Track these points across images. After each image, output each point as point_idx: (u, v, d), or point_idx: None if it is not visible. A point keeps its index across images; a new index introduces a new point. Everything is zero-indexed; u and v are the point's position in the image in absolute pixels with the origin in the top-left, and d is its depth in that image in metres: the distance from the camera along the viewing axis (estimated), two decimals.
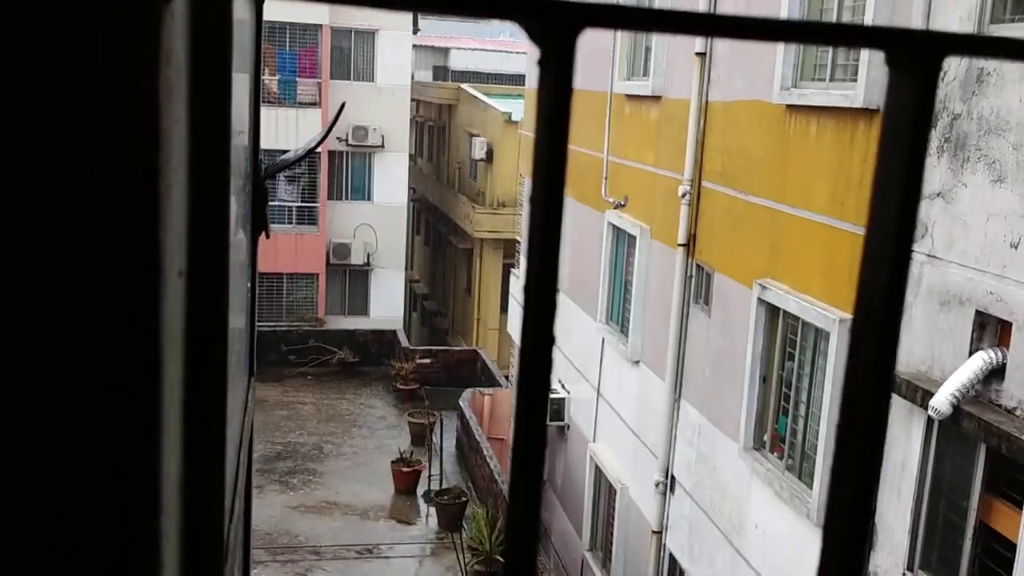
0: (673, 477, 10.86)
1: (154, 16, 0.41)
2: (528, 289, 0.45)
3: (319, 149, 25.58)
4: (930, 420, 6.38)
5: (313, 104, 25.76)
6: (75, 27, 0.41)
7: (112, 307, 0.44)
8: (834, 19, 8.05)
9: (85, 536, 0.46)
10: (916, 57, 0.46)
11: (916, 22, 6.75)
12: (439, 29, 44.28)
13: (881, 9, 7.17)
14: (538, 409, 0.49)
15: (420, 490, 17.88)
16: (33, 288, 0.45)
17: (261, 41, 1.57)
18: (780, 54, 8.55)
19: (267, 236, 1.69)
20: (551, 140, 0.46)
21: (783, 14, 8.49)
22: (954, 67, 6.46)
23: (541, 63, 0.45)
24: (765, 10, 8.93)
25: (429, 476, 17.72)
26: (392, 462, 18.03)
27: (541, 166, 0.48)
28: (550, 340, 0.46)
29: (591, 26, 0.44)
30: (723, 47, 9.90)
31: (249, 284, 1.60)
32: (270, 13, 25.75)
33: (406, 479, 17.82)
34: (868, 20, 7.30)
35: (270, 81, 25.55)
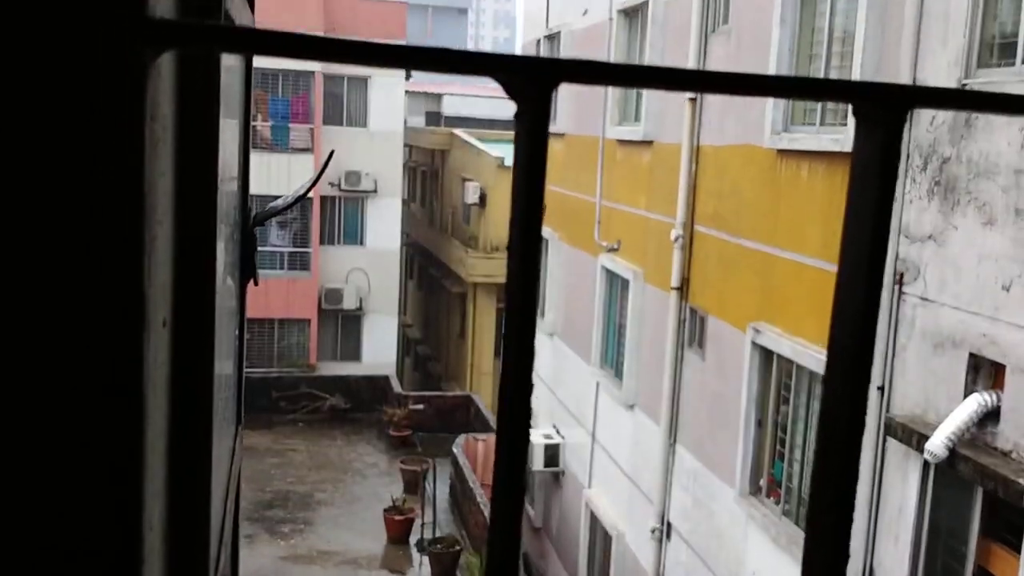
0: (669, 523, 10.77)
1: (140, 73, 0.42)
2: (507, 338, 0.45)
3: (311, 194, 25.69)
4: (926, 464, 6.36)
5: (306, 150, 25.92)
6: (61, 83, 0.42)
7: (95, 357, 0.44)
8: (823, 63, 8.17)
9: None
10: (881, 110, 0.48)
11: (904, 66, 6.86)
12: (432, 75, 44.74)
13: (869, 53, 7.28)
14: (518, 462, 0.49)
15: (413, 539, 17.67)
16: (15, 336, 0.45)
17: (251, 87, 1.59)
18: (770, 99, 8.66)
19: (255, 283, 1.70)
20: (528, 190, 0.47)
21: (772, 59, 8.62)
22: (942, 111, 6.55)
23: (517, 116, 0.47)
24: (755, 55, 9.06)
25: (422, 524, 17.52)
26: (384, 510, 17.84)
27: (518, 215, 0.49)
28: (528, 385, 0.47)
29: (565, 80, 0.45)
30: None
31: (237, 332, 1.60)
32: (263, 60, 26.01)
33: (399, 528, 17.62)
34: (856, 64, 7.41)
35: (263, 127, 25.73)
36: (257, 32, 0.40)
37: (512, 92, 0.45)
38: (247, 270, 1.59)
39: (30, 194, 0.43)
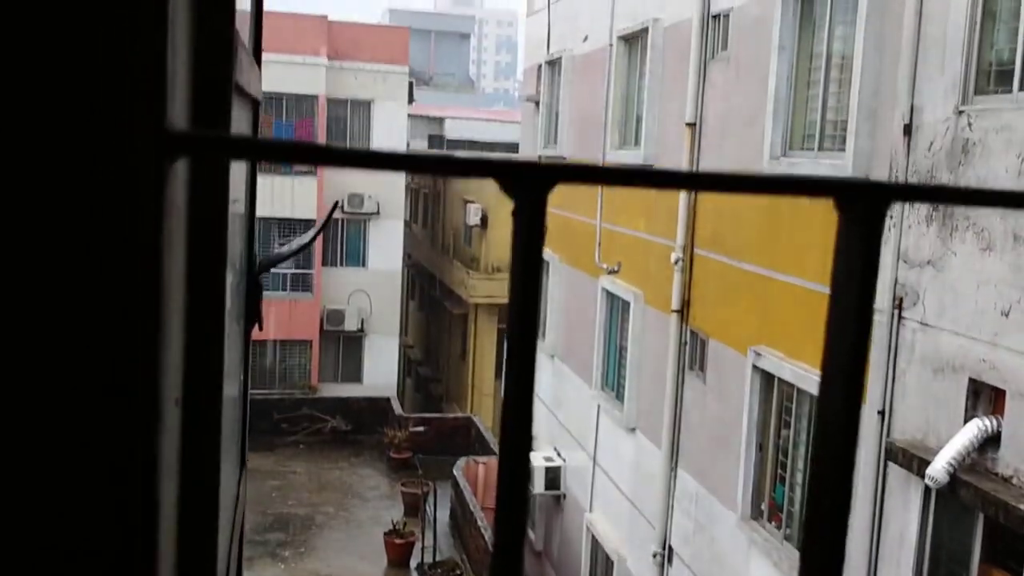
0: (671, 547, 10.73)
1: (158, 180, 0.45)
2: (503, 432, 0.47)
3: (314, 215, 25.75)
4: (927, 489, 6.35)
5: (309, 173, 26.02)
6: (81, 191, 0.45)
7: (110, 441, 0.46)
8: (821, 88, 8.22)
9: None
10: (861, 205, 0.50)
11: (902, 93, 6.90)
12: (434, 99, 44.99)
13: (867, 79, 7.34)
14: (519, 489, 0.51)
15: (413, 562, 17.59)
16: (31, 423, 0.47)
17: (258, 129, 1.62)
18: (769, 123, 8.71)
19: (260, 329, 1.72)
20: (524, 283, 0.49)
21: (771, 85, 8.68)
22: (939, 137, 6.59)
23: (515, 214, 0.49)
24: (754, 81, 9.12)
25: (423, 548, 17.45)
26: (385, 533, 17.78)
27: (515, 304, 0.51)
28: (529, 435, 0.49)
29: (561, 182, 0.47)
30: (713, 117, 10.09)
31: (242, 377, 1.62)
32: (268, 84, 26.01)
33: (399, 551, 17.55)
34: (854, 90, 7.46)
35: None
36: (266, 143, 0.42)
37: (510, 192, 0.48)
38: (251, 316, 1.61)
39: (51, 289, 0.45)
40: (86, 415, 0.46)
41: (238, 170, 1.45)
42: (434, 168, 0.47)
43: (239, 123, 1.26)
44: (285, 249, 2.65)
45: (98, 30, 0.44)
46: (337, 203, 3.41)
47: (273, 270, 26.39)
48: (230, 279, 1.37)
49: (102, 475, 0.47)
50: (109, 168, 0.44)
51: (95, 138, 0.44)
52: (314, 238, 2.60)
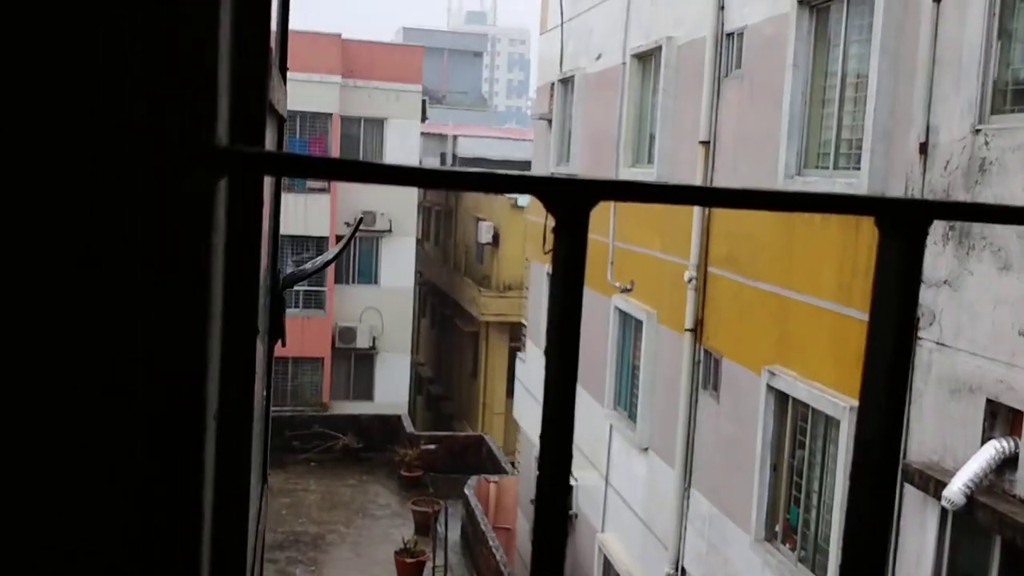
0: (684, 569, 10.65)
1: (207, 196, 0.45)
2: (543, 444, 0.47)
3: (327, 233, 25.86)
4: (944, 511, 6.29)
5: (323, 190, 26.15)
6: (136, 206, 0.45)
7: (161, 454, 0.47)
8: (836, 107, 8.21)
9: None
10: (902, 222, 0.50)
11: (917, 112, 6.89)
12: (447, 117, 45.19)
13: (882, 98, 7.33)
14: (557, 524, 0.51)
15: None
16: (83, 432, 0.47)
17: (282, 146, 1.63)
18: (783, 141, 8.71)
19: (283, 344, 1.72)
20: (566, 297, 0.50)
21: (785, 104, 8.68)
22: (956, 155, 6.57)
23: (556, 230, 0.49)
24: (768, 100, 9.13)
25: (434, 567, 17.38)
26: (395, 552, 17.71)
27: (556, 319, 0.51)
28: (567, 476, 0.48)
29: (603, 199, 0.48)
30: (727, 135, 10.09)
31: (265, 392, 1.62)
32: None
33: (410, 570, 17.47)
34: (870, 109, 7.45)
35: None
36: (308, 159, 0.43)
37: (552, 209, 0.48)
38: (275, 331, 1.62)
39: (107, 304, 0.46)
40: (138, 430, 0.47)
41: (264, 188, 1.46)
42: (475, 185, 0.47)
43: (268, 140, 1.27)
44: (309, 266, 2.66)
45: (153, 45, 0.44)
46: (362, 218, 3.42)
47: None
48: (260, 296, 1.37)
49: (155, 485, 0.47)
50: (166, 184, 0.45)
51: (149, 153, 0.45)
52: (339, 254, 2.61)
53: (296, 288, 26.56)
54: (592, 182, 0.47)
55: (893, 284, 0.50)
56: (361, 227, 26.66)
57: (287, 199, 25.25)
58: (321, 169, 0.43)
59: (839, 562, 0.55)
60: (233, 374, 0.62)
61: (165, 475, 0.47)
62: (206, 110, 0.45)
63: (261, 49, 0.75)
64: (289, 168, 0.43)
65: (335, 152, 26.11)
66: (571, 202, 0.46)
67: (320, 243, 26.13)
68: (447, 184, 0.46)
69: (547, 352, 0.52)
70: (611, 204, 11.68)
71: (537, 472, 0.49)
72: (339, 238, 26.62)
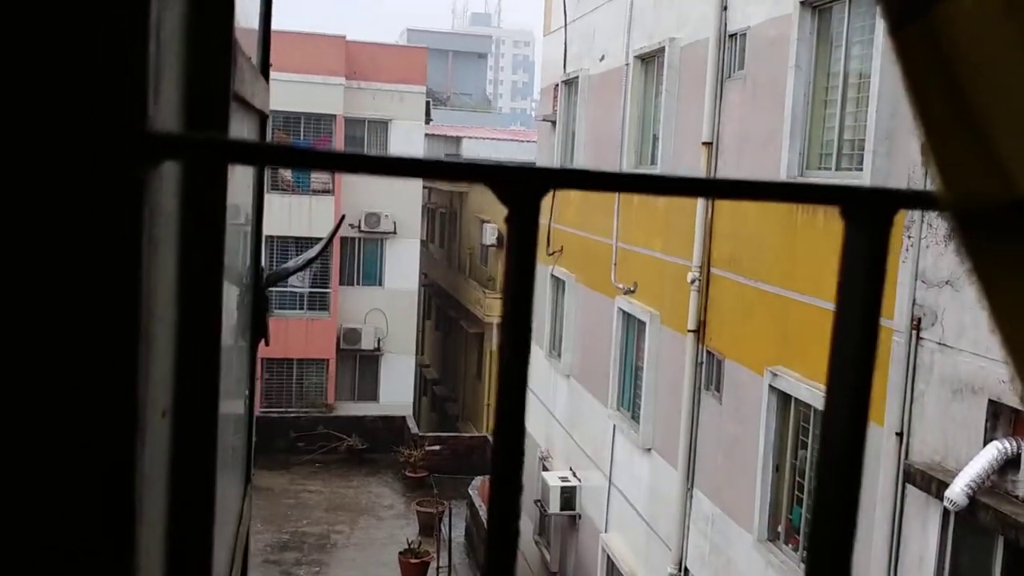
0: (687, 569, 10.63)
1: (138, 183, 0.44)
2: (495, 452, 0.46)
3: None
4: (946, 512, 6.26)
5: (326, 192, 26.16)
6: (60, 194, 0.44)
7: (87, 455, 0.45)
8: (838, 108, 8.19)
9: None
10: (868, 212, 0.49)
11: None
12: (451, 119, 45.21)
13: (885, 99, 7.30)
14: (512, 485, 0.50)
15: None
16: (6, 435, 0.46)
17: (266, 139, 1.61)
18: (786, 142, 8.68)
19: (266, 344, 1.71)
20: (517, 291, 0.48)
21: (788, 104, 8.66)
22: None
23: (508, 221, 0.48)
24: (770, 101, 9.11)
25: (438, 568, 17.37)
26: (400, 553, 17.71)
27: (508, 315, 0.50)
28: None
29: (554, 187, 0.46)
30: (730, 136, 10.07)
31: (247, 391, 1.61)
32: (285, 103, 26.08)
33: (414, 571, 17.47)
34: (872, 109, 7.42)
35: (284, 169, 26.00)
36: (251, 145, 0.41)
37: (503, 199, 0.47)
38: (258, 330, 1.61)
39: (25, 298, 0.44)
40: (64, 422, 0.45)
41: (244, 184, 1.44)
42: (424, 172, 0.46)
43: (243, 134, 1.26)
44: (291, 264, 2.65)
45: (73, 25, 0.43)
46: (343, 216, 3.42)
47: (290, 289, 26.52)
48: (235, 293, 1.36)
49: (80, 482, 0.46)
50: (86, 168, 0.43)
51: (69, 138, 0.43)
52: (321, 252, 2.60)
53: (300, 289, 26.58)
54: (541, 170, 0.45)
55: (859, 274, 0.49)
56: (366, 228, 26.67)
57: (291, 201, 25.30)
58: (259, 155, 0.42)
59: (807, 560, 0.53)
60: (190, 371, 0.61)
61: (89, 474, 0.45)
62: (134, 90, 0.44)
63: (222, 38, 0.73)
64: (227, 154, 0.42)
65: None
66: (521, 191, 0.45)
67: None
68: (391, 171, 0.45)
69: (500, 342, 0.50)
70: (614, 207, 11.67)
71: (491, 453, 0.48)
72: (343, 239, 26.64)
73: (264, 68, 1.66)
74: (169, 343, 0.56)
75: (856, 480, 0.50)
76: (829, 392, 0.52)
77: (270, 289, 1.77)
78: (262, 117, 1.46)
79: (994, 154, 0.47)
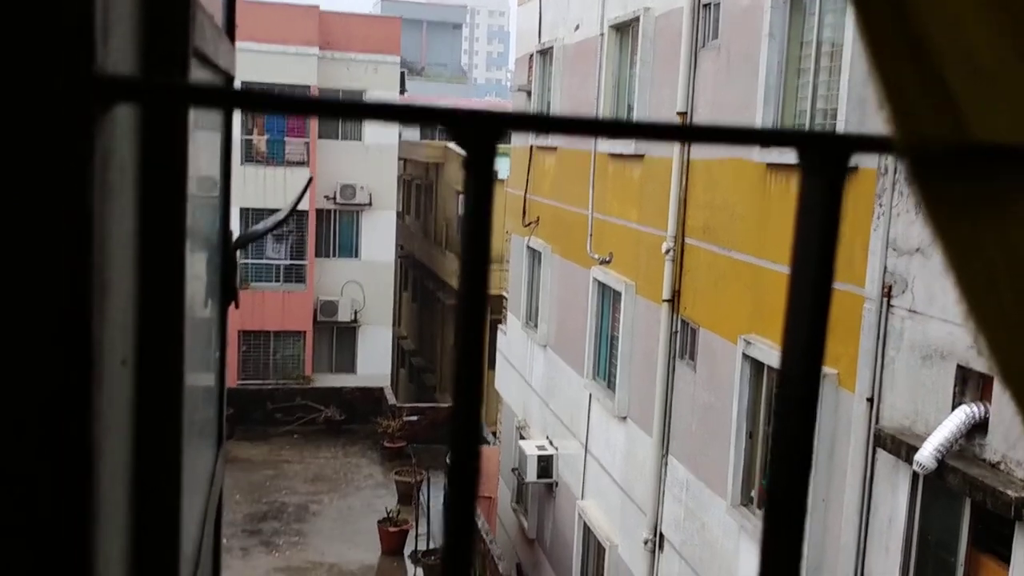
0: (662, 534, 10.76)
1: (87, 128, 0.43)
2: (456, 388, 0.46)
3: (307, 207, 25.71)
4: (915, 475, 6.37)
5: (301, 163, 25.96)
6: (7, 139, 0.43)
7: (42, 402, 0.45)
8: (811, 76, 8.21)
9: None
10: (824, 157, 0.49)
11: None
12: (426, 89, 44.88)
13: (857, 67, 7.32)
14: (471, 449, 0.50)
15: (408, 550, 17.63)
16: None
17: (232, 116, 1.60)
18: (759, 111, 8.70)
19: (236, 306, 1.71)
20: (474, 234, 0.48)
21: (761, 73, 8.66)
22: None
23: (465, 164, 0.48)
24: (744, 70, 9.11)
25: (416, 535, 17.49)
26: (379, 522, 17.81)
27: (466, 259, 0.50)
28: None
29: (510, 129, 0.46)
30: (704, 105, 10.07)
31: (218, 353, 1.61)
32: (259, 74, 25.79)
33: (393, 539, 17.59)
34: (844, 78, 7.45)
35: (259, 141, 25.76)
36: (198, 88, 0.41)
37: (460, 142, 0.47)
38: (228, 293, 1.60)
39: None
40: (15, 358, 0.45)
41: (211, 148, 1.43)
42: (382, 115, 0.46)
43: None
44: (260, 226, 2.64)
45: None
46: (311, 178, 3.40)
47: (266, 261, 26.36)
48: (203, 253, 1.35)
49: (36, 422, 0.46)
50: (30, 116, 0.43)
51: (11, 81, 0.42)
52: (290, 214, 2.59)
53: (276, 262, 26.43)
54: (498, 113, 0.45)
55: (815, 219, 0.49)
56: (341, 200, 26.51)
57: (266, 172, 25.10)
58: (205, 98, 0.42)
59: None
60: (154, 321, 0.60)
61: (43, 410, 0.45)
62: (80, 31, 0.43)
63: None
64: (175, 97, 0.42)
65: (313, 125, 25.90)
66: (477, 133, 0.45)
67: (300, 216, 25.97)
68: (351, 115, 0.45)
69: (458, 288, 0.51)
70: (589, 177, 11.62)
71: (451, 406, 0.48)
72: (319, 211, 26.49)
73: (230, 30, 1.64)
74: (130, 291, 0.55)
75: (810, 432, 0.51)
76: (785, 340, 0.53)
77: (241, 254, 1.76)
78: (228, 79, 1.44)
79: (946, 97, 0.48)
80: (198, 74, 0.91)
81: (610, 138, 0.47)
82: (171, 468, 0.68)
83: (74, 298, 0.45)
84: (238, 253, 1.83)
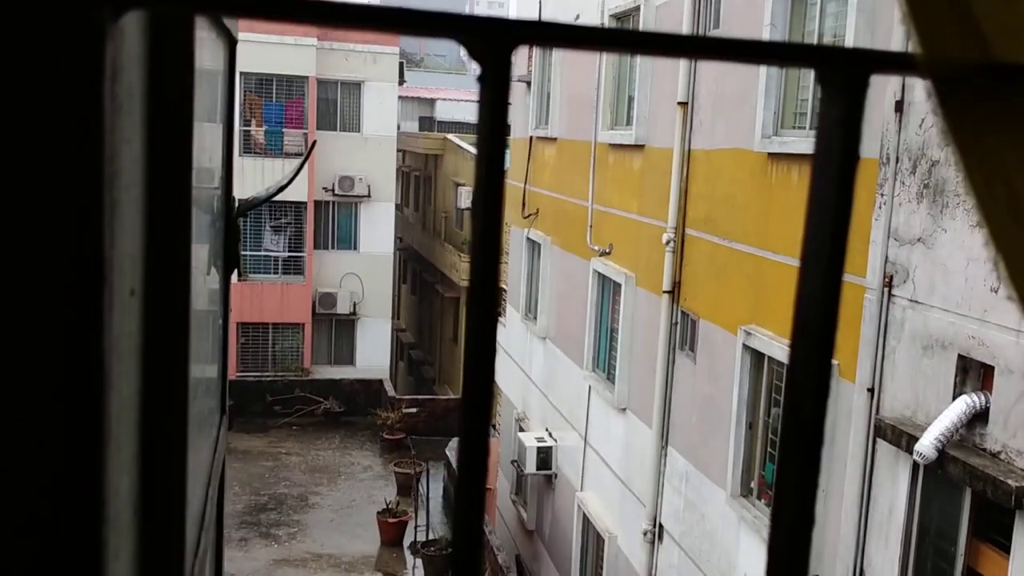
0: (661, 525, 10.77)
1: (97, 34, 0.42)
2: (470, 307, 0.46)
3: (305, 199, 25.67)
4: (916, 465, 6.37)
5: (300, 155, 25.89)
6: (14, 45, 0.42)
7: (54, 321, 0.44)
8: (812, 74, 8.18)
9: (22, 550, 0.45)
10: (844, 74, 0.48)
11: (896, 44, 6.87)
12: (425, 80, 44.81)
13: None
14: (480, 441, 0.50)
15: (407, 541, 17.65)
16: None
17: (235, 71, 1.59)
18: (761, 102, 8.68)
19: (240, 276, 1.70)
20: (490, 154, 0.47)
21: (761, 78, 8.63)
22: (931, 114, 6.58)
23: (480, 78, 0.47)
24: (745, 69, 9.08)
25: (416, 527, 17.51)
26: (378, 513, 17.82)
27: (480, 181, 0.49)
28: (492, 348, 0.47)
29: (525, 42, 0.45)
30: (705, 97, 10.05)
31: (221, 321, 1.60)
32: (257, 65, 25.78)
33: (392, 530, 17.60)
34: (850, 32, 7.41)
35: (257, 132, 25.71)
36: None
37: (474, 54, 0.46)
38: (231, 259, 1.59)
39: None
40: (23, 275, 0.44)
41: (213, 130, 1.41)
42: (393, 26, 0.45)
43: (215, 57, 1.23)
44: (263, 192, 2.63)
45: None
46: (315, 142, 3.39)
47: (264, 253, 26.31)
48: (207, 219, 1.34)
49: (46, 339, 0.45)
50: (39, 20, 0.42)
51: None
52: (291, 179, 2.58)
53: (275, 254, 26.40)
54: (518, 21, 0.44)
55: (834, 137, 0.48)
56: (340, 192, 26.47)
57: (264, 164, 25.05)
58: (221, 3, 0.41)
59: (773, 501, 0.53)
60: (162, 253, 0.59)
61: (50, 329, 0.44)
62: None
63: None
64: (190, 3, 0.41)
65: (312, 115, 25.84)
66: (492, 42, 0.44)
67: (298, 208, 25.96)
68: (356, 23, 0.44)
69: (472, 212, 0.50)
70: (590, 168, 11.60)
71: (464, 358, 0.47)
72: (317, 203, 26.45)
73: None
74: (136, 217, 0.54)
75: (826, 375, 0.50)
76: (802, 273, 0.52)
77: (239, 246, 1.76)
78: (231, 42, 1.43)
79: (971, 17, 0.47)
80: (208, 35, 0.90)
81: (621, 53, 0.46)
82: (178, 403, 0.67)
83: (84, 208, 0.44)
84: (240, 222, 1.82)
